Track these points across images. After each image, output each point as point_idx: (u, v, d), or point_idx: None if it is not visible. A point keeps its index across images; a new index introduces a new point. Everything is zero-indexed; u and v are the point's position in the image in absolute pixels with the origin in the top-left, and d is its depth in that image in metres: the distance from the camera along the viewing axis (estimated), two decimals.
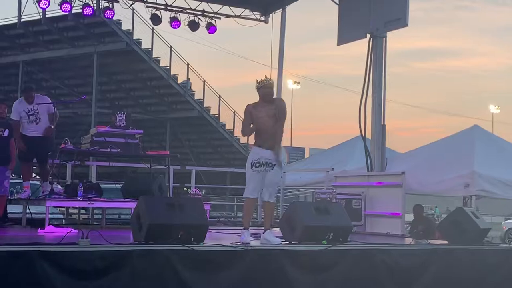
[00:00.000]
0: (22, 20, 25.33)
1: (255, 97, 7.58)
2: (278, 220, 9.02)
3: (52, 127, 9.65)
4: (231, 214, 21.14)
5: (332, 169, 12.75)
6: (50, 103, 9.88)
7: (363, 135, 11.85)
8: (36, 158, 9.74)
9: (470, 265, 7.84)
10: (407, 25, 11.16)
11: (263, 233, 7.47)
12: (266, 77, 7.55)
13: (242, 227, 7.52)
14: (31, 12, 24.62)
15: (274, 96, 7.69)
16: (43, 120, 9.67)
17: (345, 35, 12.57)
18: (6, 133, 9.03)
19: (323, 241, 7.30)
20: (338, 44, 12.75)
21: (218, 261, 6.44)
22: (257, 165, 7.32)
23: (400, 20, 11.28)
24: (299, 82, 40.84)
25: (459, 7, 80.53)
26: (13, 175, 10.78)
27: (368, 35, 11.91)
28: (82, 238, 6.10)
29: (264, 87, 7.44)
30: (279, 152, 7.45)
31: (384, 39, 11.85)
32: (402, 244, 8.32)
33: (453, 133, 14.66)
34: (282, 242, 7.31)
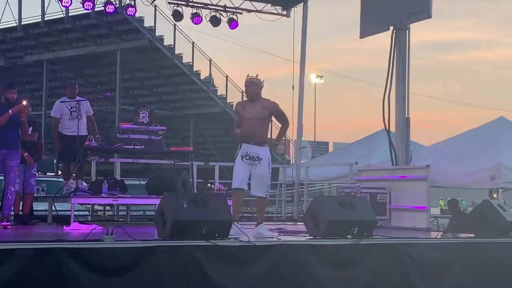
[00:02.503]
0: (45, 18, 25.54)
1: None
2: (302, 215, 9.00)
3: (98, 136, 9.86)
4: (256, 209, 21.11)
5: (356, 163, 12.68)
6: (89, 105, 10.14)
7: (387, 129, 11.77)
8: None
9: (498, 259, 7.75)
10: (430, 16, 11.03)
11: (256, 227, 7.52)
12: (249, 75, 7.65)
13: (263, 222, 7.56)
14: (55, 11, 24.79)
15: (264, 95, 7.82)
16: (84, 119, 9.90)
17: (367, 28, 12.46)
18: (30, 130, 9.11)
19: (348, 236, 7.26)
20: (360, 37, 12.64)
21: (242, 256, 6.44)
22: (247, 157, 7.50)
23: (423, 11, 11.16)
24: (322, 76, 40.54)
25: None
26: (39, 172, 10.91)
27: (391, 28, 11.80)
28: (106, 234, 6.13)
29: (248, 85, 7.64)
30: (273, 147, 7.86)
31: (407, 31, 11.74)
32: (427, 238, 8.24)
33: (479, 125, 14.50)
34: (274, 237, 7.30)
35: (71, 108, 9.87)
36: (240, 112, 7.66)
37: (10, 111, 8.10)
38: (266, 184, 7.65)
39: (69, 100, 9.97)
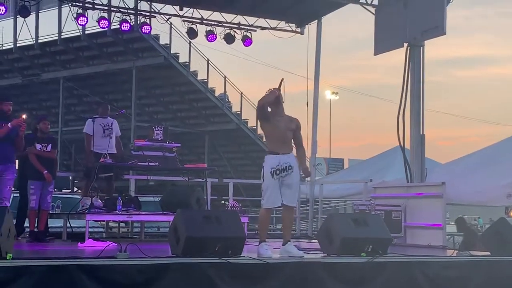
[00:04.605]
0: (62, 36, 25.79)
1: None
2: (316, 232, 8.96)
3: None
4: (270, 226, 21.06)
5: (371, 180, 12.63)
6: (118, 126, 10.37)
7: (402, 146, 11.73)
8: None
9: None
10: (444, 33, 11.04)
11: (284, 245, 7.21)
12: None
13: (261, 240, 7.14)
14: (71, 29, 24.97)
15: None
16: (113, 139, 10.12)
17: (382, 45, 12.48)
18: (49, 148, 9.17)
19: (362, 254, 7.22)
20: (375, 54, 12.66)
21: (255, 274, 6.41)
22: (277, 172, 7.05)
23: (437, 28, 11.17)
24: (337, 93, 40.61)
25: (502, 14, 79.60)
26: (55, 189, 10.96)
27: (405, 44, 11.81)
28: (120, 251, 6.14)
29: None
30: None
31: (421, 47, 11.74)
32: (442, 256, 8.18)
33: (495, 142, 14.39)
34: (304, 255, 7.15)
35: (104, 126, 10.07)
36: (270, 118, 7.23)
37: (9, 124, 8.05)
38: (297, 192, 7.36)
39: (102, 117, 10.14)
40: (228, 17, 14.04)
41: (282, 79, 7.32)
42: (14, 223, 8.03)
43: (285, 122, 7.24)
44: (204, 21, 13.87)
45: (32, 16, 23.85)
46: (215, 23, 13.93)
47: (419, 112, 11.63)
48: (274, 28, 14.31)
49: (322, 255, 7.41)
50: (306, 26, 14.18)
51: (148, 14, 14.10)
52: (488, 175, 12.40)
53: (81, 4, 13.29)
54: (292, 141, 7.37)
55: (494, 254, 8.08)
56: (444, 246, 10.05)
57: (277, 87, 7.27)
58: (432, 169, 13.06)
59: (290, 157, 7.20)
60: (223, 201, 11.22)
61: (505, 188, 11.75)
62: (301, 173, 7.41)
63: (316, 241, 8.13)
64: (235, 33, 14.07)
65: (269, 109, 7.28)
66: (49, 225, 9.54)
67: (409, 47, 11.76)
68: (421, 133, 11.60)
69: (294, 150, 7.42)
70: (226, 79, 26.57)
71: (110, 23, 13.91)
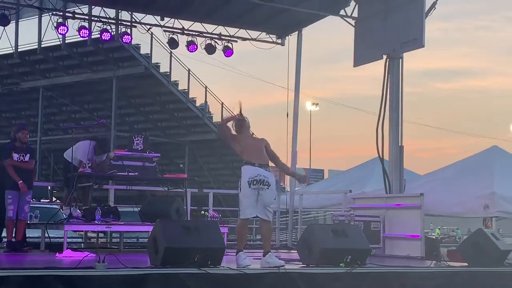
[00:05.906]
0: (42, 45, 25.63)
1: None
2: (295, 243, 8.97)
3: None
4: (250, 236, 21.05)
5: (350, 191, 12.69)
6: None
7: (381, 157, 11.81)
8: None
9: None
10: (423, 46, 11.17)
11: (264, 256, 7.21)
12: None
13: (238, 250, 7.16)
14: (51, 38, 24.84)
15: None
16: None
17: (361, 57, 12.59)
18: (27, 158, 9.10)
19: (341, 264, 7.26)
20: (354, 66, 12.77)
21: (234, 285, 6.41)
22: (254, 183, 7.10)
23: (416, 41, 11.30)
24: (317, 104, 40.73)
25: (479, 27, 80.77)
26: (33, 199, 10.89)
27: (385, 56, 11.92)
28: (98, 262, 6.12)
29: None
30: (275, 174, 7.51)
31: (400, 60, 11.86)
32: (421, 267, 8.23)
33: (473, 153, 14.54)
34: (285, 264, 7.14)
35: (91, 159, 10.03)
36: (239, 137, 7.45)
37: None
38: (271, 208, 7.43)
39: (96, 154, 10.19)
40: (209, 27, 14.08)
41: (239, 101, 7.56)
42: None
43: (255, 140, 7.55)
44: (185, 32, 13.89)
45: (12, 25, 23.68)
46: (196, 33, 13.96)
47: (398, 123, 11.73)
48: (255, 39, 14.37)
49: (301, 265, 7.43)
50: (287, 37, 14.25)
51: (129, 23, 14.08)
52: (465, 186, 12.53)
53: (61, 13, 13.26)
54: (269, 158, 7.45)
55: (471, 265, 8.15)
56: (422, 257, 10.11)
57: (239, 113, 7.41)
58: (410, 180, 13.16)
59: (269, 174, 7.24)
60: (202, 211, 11.20)
61: (482, 200, 11.88)
62: (300, 183, 7.55)
63: (296, 251, 8.14)
64: (216, 44, 14.11)
65: (235, 133, 7.50)
66: (27, 235, 9.45)
67: (388, 59, 11.87)
68: (400, 144, 11.70)
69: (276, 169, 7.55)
70: (207, 89, 26.61)
71: (90, 33, 13.86)
